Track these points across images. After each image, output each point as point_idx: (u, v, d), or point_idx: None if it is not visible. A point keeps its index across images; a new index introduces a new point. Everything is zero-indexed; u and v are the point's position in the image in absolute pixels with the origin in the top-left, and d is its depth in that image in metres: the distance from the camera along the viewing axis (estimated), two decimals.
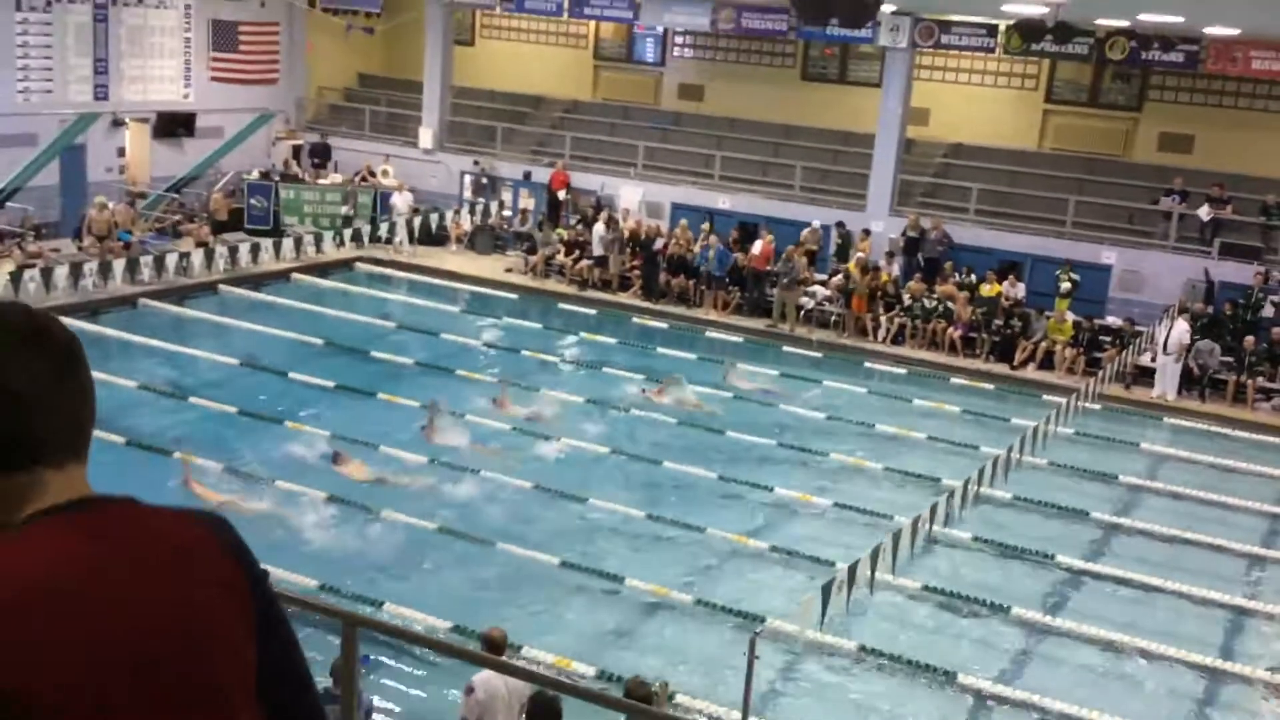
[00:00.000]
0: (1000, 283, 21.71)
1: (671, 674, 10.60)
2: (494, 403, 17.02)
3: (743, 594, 12.28)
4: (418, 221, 25.51)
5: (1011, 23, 21.34)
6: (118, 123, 25.37)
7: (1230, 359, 19.82)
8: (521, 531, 13.35)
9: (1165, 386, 19.48)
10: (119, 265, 20.98)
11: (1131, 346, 19.93)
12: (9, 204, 22.86)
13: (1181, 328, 19.46)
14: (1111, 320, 21.26)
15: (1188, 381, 19.63)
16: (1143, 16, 19.34)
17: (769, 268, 22.39)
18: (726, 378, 18.99)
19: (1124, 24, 21.06)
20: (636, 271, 23.59)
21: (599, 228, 23.73)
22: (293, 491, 13.72)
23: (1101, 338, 20.62)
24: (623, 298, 23.36)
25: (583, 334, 21.33)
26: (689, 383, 18.06)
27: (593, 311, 22.70)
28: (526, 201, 26.77)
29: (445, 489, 14.23)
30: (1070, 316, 20.84)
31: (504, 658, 7.97)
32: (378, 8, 28.36)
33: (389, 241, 25.19)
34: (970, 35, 23.37)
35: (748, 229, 24.06)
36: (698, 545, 13.36)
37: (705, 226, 23.89)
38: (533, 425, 16.41)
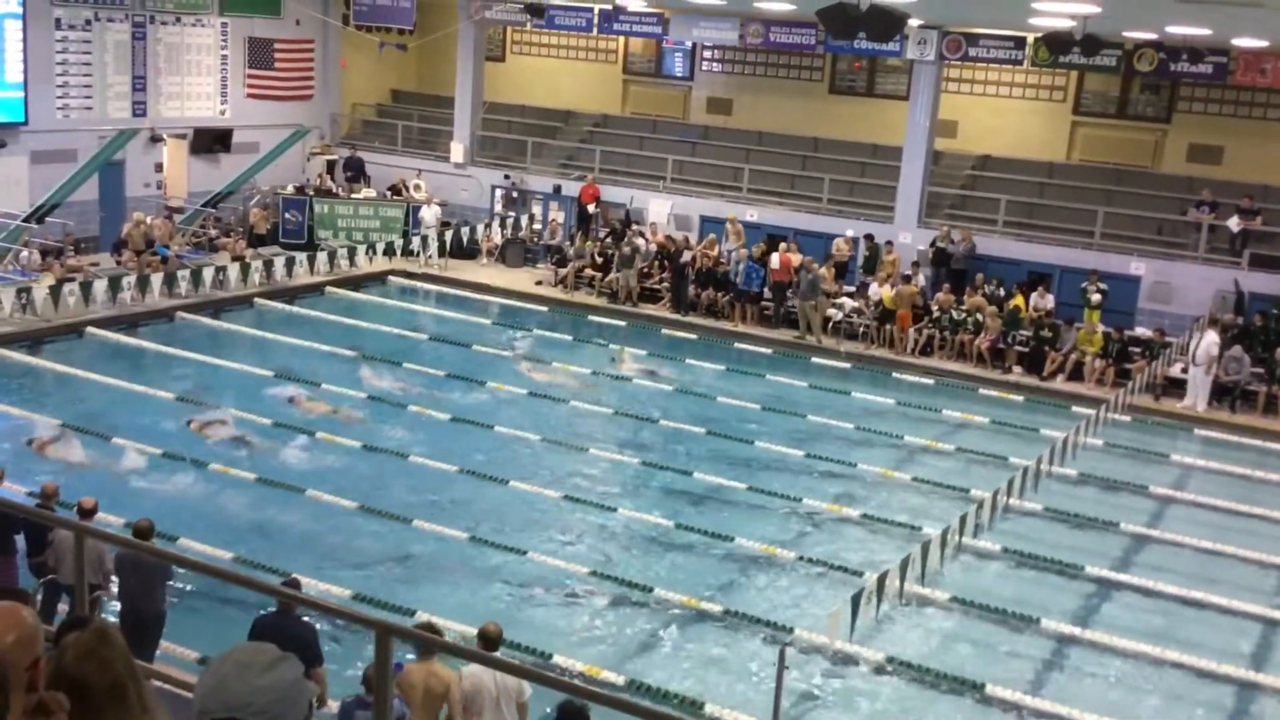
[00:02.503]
0: (1029, 294, 21.75)
1: (701, 684, 10.73)
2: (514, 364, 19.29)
3: (772, 604, 12.37)
4: (449, 235, 25.76)
5: (1039, 35, 21.40)
6: (155, 139, 25.78)
7: (1261, 370, 19.76)
8: (550, 541, 13.51)
9: (1195, 397, 19.45)
10: (156, 279, 21.31)
11: (1161, 358, 19.91)
12: (49, 219, 23.24)
13: (1210, 339, 19.43)
14: (1141, 331, 21.25)
15: (1219, 393, 19.59)
16: (1171, 28, 19.36)
17: (793, 279, 22.50)
18: (618, 365, 20.19)
19: (1152, 36, 21.07)
20: (665, 284, 23.75)
21: (640, 242, 23.99)
22: (324, 501, 13.93)
23: (1131, 349, 20.60)
24: (652, 310, 23.52)
25: (612, 346, 21.49)
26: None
27: (622, 323, 22.87)
28: (556, 215, 27.00)
29: (475, 503, 14.41)
30: (1100, 328, 20.85)
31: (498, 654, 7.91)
32: (411, 25, 28.68)
33: (419, 254, 25.45)
34: (998, 47, 23.43)
35: (775, 242, 24.18)
36: (727, 555, 13.46)
37: (728, 225, 24.19)
38: (564, 436, 16.58)
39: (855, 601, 10.83)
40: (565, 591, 12.40)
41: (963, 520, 13.37)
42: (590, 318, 23.19)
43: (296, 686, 2.09)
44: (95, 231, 24.41)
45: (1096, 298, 21.40)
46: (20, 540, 10.38)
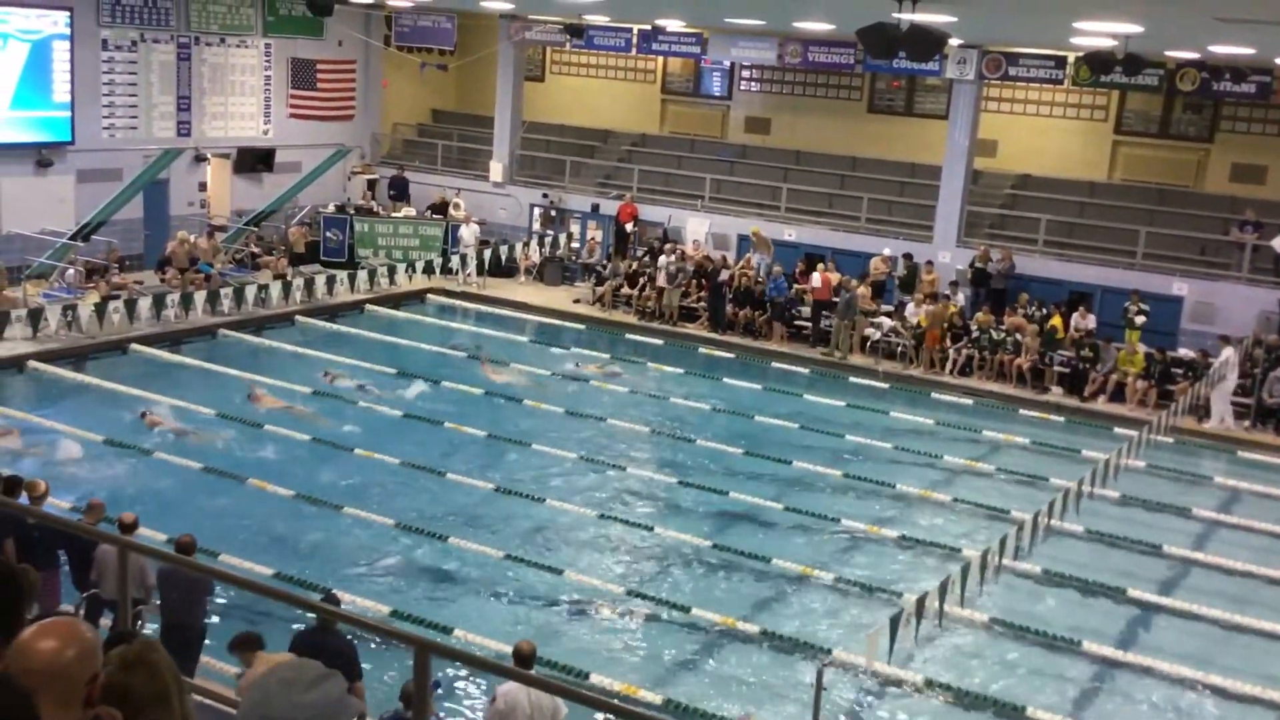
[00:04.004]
0: (1069, 314, 21.59)
1: (739, 704, 10.69)
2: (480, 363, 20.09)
3: (809, 625, 12.32)
4: (487, 253, 25.90)
5: (1080, 55, 21.29)
6: (200, 158, 26.11)
7: None
8: (587, 560, 13.53)
9: (1221, 416, 19.25)
10: (200, 297, 21.55)
11: (1204, 379, 19.70)
12: (95, 237, 23.57)
13: (1228, 356, 19.33)
14: (1184, 352, 21.03)
15: (1263, 415, 19.37)
16: (1213, 48, 19.21)
17: (833, 298, 22.48)
18: (578, 365, 20.96)
19: (1194, 56, 20.92)
20: (703, 303, 23.78)
21: (664, 259, 24.04)
22: (360, 518, 14.01)
23: (1174, 370, 20.39)
24: (689, 329, 23.54)
25: (649, 364, 21.51)
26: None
27: (660, 342, 22.90)
28: (595, 233, 27.09)
29: (517, 522, 14.45)
30: (1142, 348, 20.65)
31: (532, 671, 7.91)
32: (451, 45, 28.92)
33: (457, 273, 25.60)
34: (1038, 67, 23.33)
35: (814, 261, 24.18)
36: (764, 575, 13.42)
37: (753, 236, 24.27)
38: (601, 455, 16.61)
39: (894, 623, 10.76)
40: (602, 610, 12.40)
41: (1003, 542, 13.25)
42: (628, 336, 23.23)
43: (340, 704, 2.11)
44: (140, 249, 24.73)
45: (1140, 319, 21.21)
46: (63, 555, 10.48)
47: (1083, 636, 12.27)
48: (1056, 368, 20.84)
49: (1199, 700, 11.50)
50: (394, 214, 27.49)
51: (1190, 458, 18.28)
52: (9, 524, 9.87)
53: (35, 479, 11.10)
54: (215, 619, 10.50)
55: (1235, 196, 23.88)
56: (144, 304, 20.72)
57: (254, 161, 27.04)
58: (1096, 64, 19.93)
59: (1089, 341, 20.97)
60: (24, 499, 10.31)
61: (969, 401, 20.40)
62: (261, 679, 2.13)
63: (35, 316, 19.61)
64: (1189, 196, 24.65)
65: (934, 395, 20.64)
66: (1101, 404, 20.25)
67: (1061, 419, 19.78)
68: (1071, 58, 22.50)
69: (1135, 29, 16.12)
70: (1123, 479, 16.45)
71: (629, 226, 26.45)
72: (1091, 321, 21.52)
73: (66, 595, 10.27)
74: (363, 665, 8.66)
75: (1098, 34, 17.88)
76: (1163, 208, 24.17)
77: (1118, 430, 18.59)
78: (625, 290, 24.55)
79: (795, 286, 23.45)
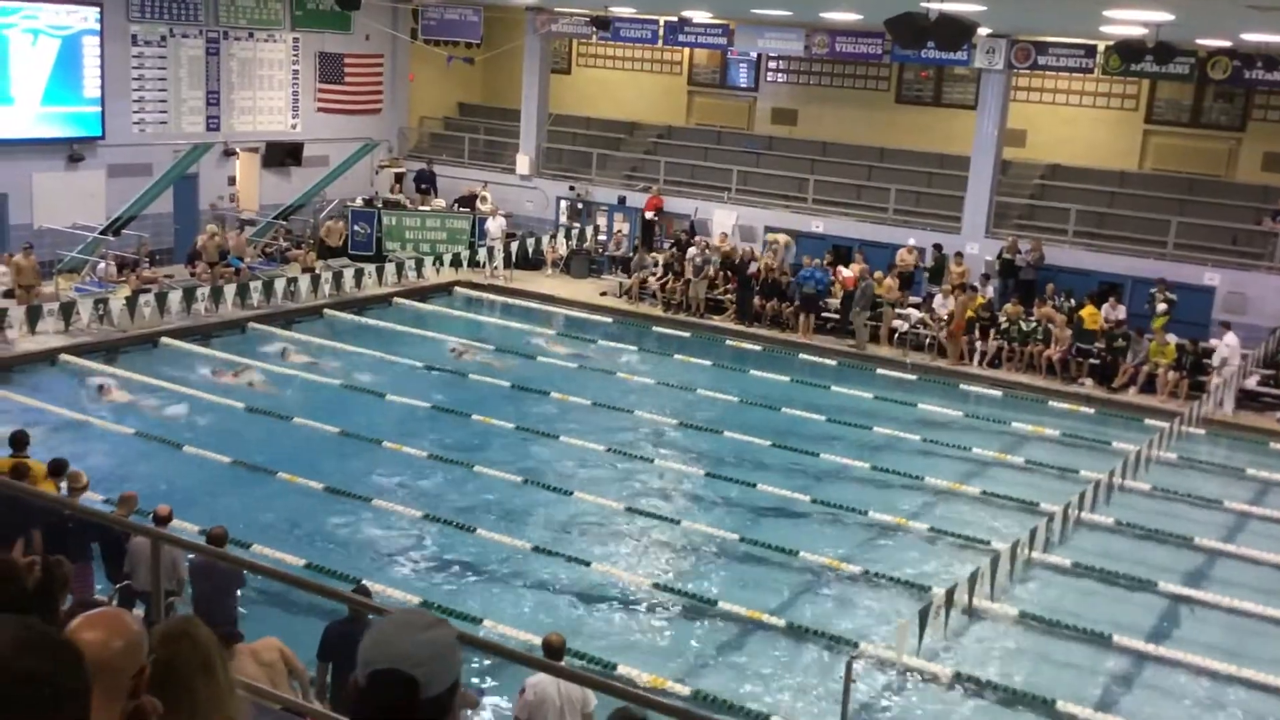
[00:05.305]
0: (1100, 305, 21.44)
1: (767, 696, 10.69)
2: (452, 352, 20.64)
3: (838, 618, 12.30)
4: (514, 246, 25.94)
5: (1111, 44, 21.12)
6: (229, 152, 26.26)
7: None
8: (614, 552, 13.55)
9: (1220, 401, 19.09)
10: (230, 290, 21.69)
11: (1237, 370, 19.52)
12: (125, 231, 23.75)
13: (1230, 340, 19.27)
14: (1215, 343, 20.83)
15: None
16: (1245, 36, 19.02)
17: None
18: (549, 345, 21.42)
19: (1226, 44, 20.71)
20: (730, 296, 23.75)
21: (691, 250, 24.03)
22: (387, 510, 14.07)
23: (1205, 361, 20.23)
24: (716, 321, 23.52)
25: (677, 356, 21.50)
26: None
27: (687, 334, 22.89)
28: (621, 226, 27.09)
29: (540, 510, 14.48)
30: (1172, 339, 20.48)
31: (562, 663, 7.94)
32: (478, 39, 28.98)
33: (484, 266, 25.67)
34: (1068, 56, 23.14)
35: (841, 252, 24.11)
36: (792, 568, 13.40)
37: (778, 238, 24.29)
38: (628, 447, 16.62)
39: (923, 615, 10.73)
40: (629, 603, 12.42)
41: (1033, 534, 13.20)
42: (655, 329, 23.23)
43: (451, 647, 2.25)
44: (170, 243, 24.90)
45: (1163, 306, 21.03)
46: (96, 548, 10.58)
47: (1113, 629, 12.19)
48: (1088, 360, 20.68)
49: (1231, 693, 11.41)
50: (421, 207, 27.57)
51: (1222, 449, 18.13)
52: (37, 515, 9.97)
53: (78, 470, 11.24)
54: (245, 610, 10.57)
55: (1267, 186, 23.66)
56: (174, 297, 20.87)
57: (282, 155, 27.18)
58: (1127, 52, 19.76)
59: (1120, 332, 20.82)
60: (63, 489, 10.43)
61: (998, 393, 20.29)
62: (379, 623, 2.29)
63: (67, 310, 19.79)
64: (1220, 186, 24.43)
65: (962, 387, 20.55)
66: (1132, 395, 20.11)
67: (1092, 410, 19.66)
68: (1102, 46, 22.31)
69: (1166, 17, 16.00)
70: (1154, 471, 16.36)
71: (649, 215, 26.42)
72: (1122, 312, 21.36)
73: (100, 587, 10.37)
74: None
75: (1129, 22, 17.76)
76: (1194, 197, 23.96)
77: (1149, 422, 18.44)
78: (652, 282, 24.54)
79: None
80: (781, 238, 24.40)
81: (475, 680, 10.20)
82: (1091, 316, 21.11)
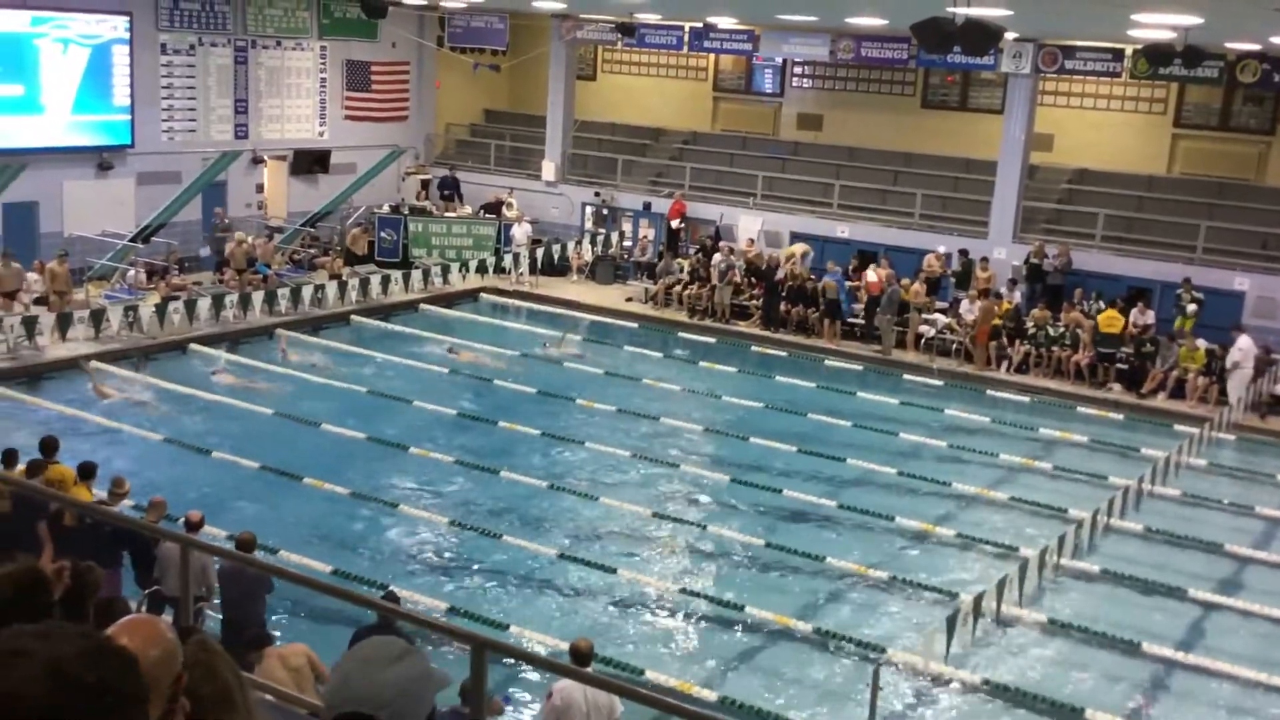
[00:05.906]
0: (1128, 310, 21.29)
1: (794, 702, 10.67)
2: (449, 351, 20.89)
3: (865, 624, 12.26)
4: (540, 252, 26.00)
5: (1138, 47, 21.00)
6: (257, 160, 26.44)
7: None
8: (641, 558, 13.55)
9: (1235, 401, 18.95)
10: (258, 297, 21.82)
11: (1266, 375, 19.36)
12: (154, 238, 23.93)
13: (1243, 343, 19.15)
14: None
15: None
16: (1275, 39, 18.87)
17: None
18: (560, 347, 21.62)
19: (1255, 47, 20.56)
20: (756, 301, 23.73)
21: (716, 256, 24.03)
22: (414, 516, 14.12)
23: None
24: (742, 326, 23.50)
25: (702, 362, 21.49)
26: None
27: (712, 340, 22.87)
28: (646, 231, 27.11)
29: (566, 520, 14.50)
30: (1202, 344, 20.33)
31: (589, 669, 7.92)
32: (504, 46, 29.08)
33: (510, 272, 25.73)
34: (1095, 60, 23.02)
35: (867, 258, 24.06)
36: (819, 574, 13.37)
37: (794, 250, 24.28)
38: (653, 452, 16.62)
39: (951, 622, 10.69)
40: (656, 608, 12.41)
41: (1061, 541, 13.13)
42: (680, 334, 23.23)
43: (423, 680, 2.14)
44: (198, 251, 25.07)
45: (1192, 308, 20.86)
46: (126, 555, 10.66)
47: (1142, 637, 12.11)
48: (1116, 365, 20.54)
49: (1262, 701, 11.31)
50: (447, 213, 27.67)
51: (1252, 455, 17.98)
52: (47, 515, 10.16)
53: (121, 476, 11.35)
54: (275, 616, 10.63)
55: None
56: (203, 304, 21.02)
57: (310, 163, 27.34)
58: (1155, 56, 19.65)
59: (1148, 337, 20.67)
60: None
61: (1026, 399, 20.19)
62: (343, 660, 2.16)
63: (97, 317, 19.96)
64: (1250, 190, 24.23)
65: (990, 393, 20.45)
66: (1161, 400, 19.97)
67: (1120, 416, 19.53)
68: (1129, 50, 22.19)
69: (1195, 20, 15.89)
70: (1183, 476, 16.26)
71: (675, 223, 26.42)
72: (1150, 317, 21.21)
73: (128, 593, 10.44)
74: None
75: (1156, 26, 17.64)
76: (1223, 201, 23.77)
77: (1178, 427, 18.31)
78: (678, 289, 24.54)
79: (849, 284, 23.33)
80: (799, 248, 24.28)
81: (504, 687, 10.22)
82: (1107, 321, 20.88)
